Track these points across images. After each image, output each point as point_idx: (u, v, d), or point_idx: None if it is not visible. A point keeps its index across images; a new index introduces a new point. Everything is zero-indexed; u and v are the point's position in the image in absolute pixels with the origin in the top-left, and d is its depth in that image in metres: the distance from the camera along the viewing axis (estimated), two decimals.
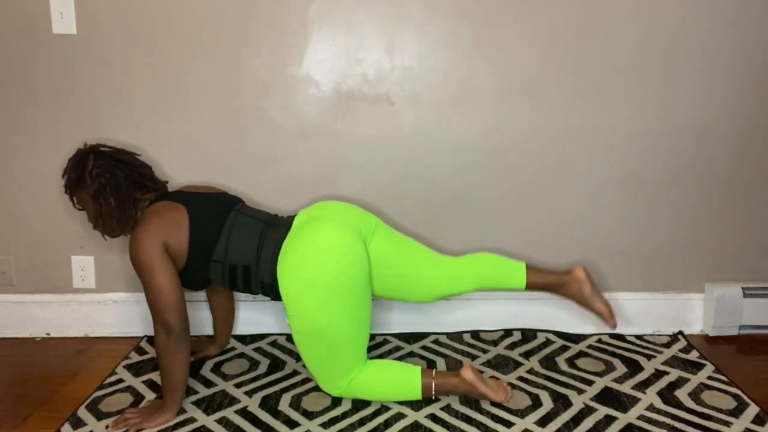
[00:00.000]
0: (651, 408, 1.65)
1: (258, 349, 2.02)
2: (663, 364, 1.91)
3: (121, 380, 1.81)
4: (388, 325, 2.13)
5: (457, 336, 2.11)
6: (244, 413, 1.63)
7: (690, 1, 1.97)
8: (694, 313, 2.17)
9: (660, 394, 1.72)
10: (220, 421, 1.59)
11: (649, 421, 1.59)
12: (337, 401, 1.68)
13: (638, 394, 1.72)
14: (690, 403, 1.67)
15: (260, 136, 2.03)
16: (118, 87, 1.99)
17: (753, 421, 1.59)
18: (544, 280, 1.78)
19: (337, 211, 1.68)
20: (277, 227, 1.67)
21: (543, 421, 1.58)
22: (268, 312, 2.12)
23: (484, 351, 2.00)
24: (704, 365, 1.90)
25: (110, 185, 1.63)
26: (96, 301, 2.12)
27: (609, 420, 1.59)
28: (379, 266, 1.71)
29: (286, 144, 2.04)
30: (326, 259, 1.54)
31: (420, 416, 1.60)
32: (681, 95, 2.04)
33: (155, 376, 1.82)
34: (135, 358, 1.95)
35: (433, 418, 1.60)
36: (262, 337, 2.11)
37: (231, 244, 1.63)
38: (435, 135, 2.04)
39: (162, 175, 1.96)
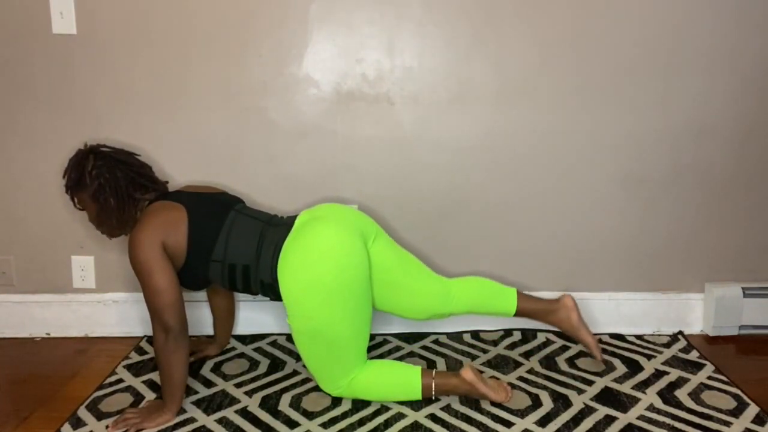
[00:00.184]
0: (651, 408, 1.65)
1: (258, 349, 2.02)
2: (663, 364, 1.91)
3: (121, 380, 1.81)
4: (388, 325, 2.13)
5: (457, 336, 2.11)
6: (244, 413, 1.63)
7: (690, 2, 1.97)
8: (694, 313, 2.17)
9: (660, 394, 1.72)
10: (220, 421, 1.59)
11: (649, 421, 1.59)
12: (337, 401, 1.68)
13: (638, 394, 1.72)
14: (690, 403, 1.67)
15: (260, 136, 2.03)
16: (118, 87, 1.99)
17: (753, 421, 1.59)
18: (533, 307, 1.81)
19: (339, 213, 1.68)
20: (277, 227, 1.67)
21: (543, 421, 1.58)
22: (268, 312, 2.12)
23: (484, 351, 2.00)
24: (704, 365, 1.90)
25: (110, 185, 1.63)
26: (96, 301, 2.12)
27: (609, 420, 1.59)
28: (378, 270, 1.71)
29: (286, 144, 2.04)
30: (327, 259, 1.54)
31: (420, 416, 1.60)
32: (681, 95, 2.04)
33: (155, 376, 1.82)
34: (135, 358, 1.95)
35: (433, 418, 1.60)
36: (262, 337, 2.11)
37: (230, 243, 1.63)
38: (435, 135, 2.05)
39: (162, 175, 1.96)
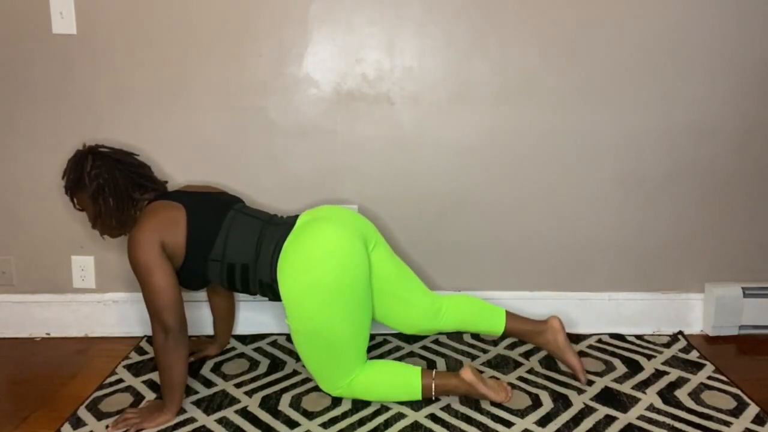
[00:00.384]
0: (651, 408, 1.65)
1: (258, 349, 2.02)
2: (663, 364, 1.91)
3: (121, 380, 1.81)
4: (387, 326, 2.13)
5: (457, 336, 2.11)
6: (244, 413, 1.63)
7: (690, 2, 1.97)
8: (694, 313, 2.17)
9: (660, 394, 1.72)
10: (220, 421, 1.59)
11: (649, 421, 1.59)
12: (337, 401, 1.68)
13: (638, 394, 1.72)
14: (690, 403, 1.67)
15: (260, 136, 2.03)
16: (118, 87, 1.99)
17: (753, 421, 1.59)
18: (521, 328, 1.82)
19: (341, 215, 1.68)
20: (277, 226, 1.66)
21: (543, 421, 1.58)
22: (268, 312, 2.12)
23: (484, 351, 2.00)
24: (704, 365, 1.90)
25: (109, 186, 1.64)
26: (96, 301, 2.12)
27: (609, 420, 1.59)
28: (378, 278, 1.71)
29: (286, 144, 2.04)
30: (328, 259, 1.54)
31: (420, 416, 1.60)
32: (681, 95, 2.04)
33: (155, 376, 1.82)
34: (135, 358, 1.95)
35: (433, 418, 1.60)
36: (262, 337, 2.11)
37: (229, 242, 1.63)
38: (435, 135, 2.04)
39: (161, 175, 1.96)
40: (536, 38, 1.99)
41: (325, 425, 1.57)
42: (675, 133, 2.06)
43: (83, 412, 1.63)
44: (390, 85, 2.01)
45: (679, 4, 1.97)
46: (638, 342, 2.08)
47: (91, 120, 2.01)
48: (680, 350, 2.01)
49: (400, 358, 1.95)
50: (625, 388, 1.76)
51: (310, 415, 1.62)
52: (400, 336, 2.10)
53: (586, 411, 1.63)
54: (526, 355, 1.97)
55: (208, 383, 1.79)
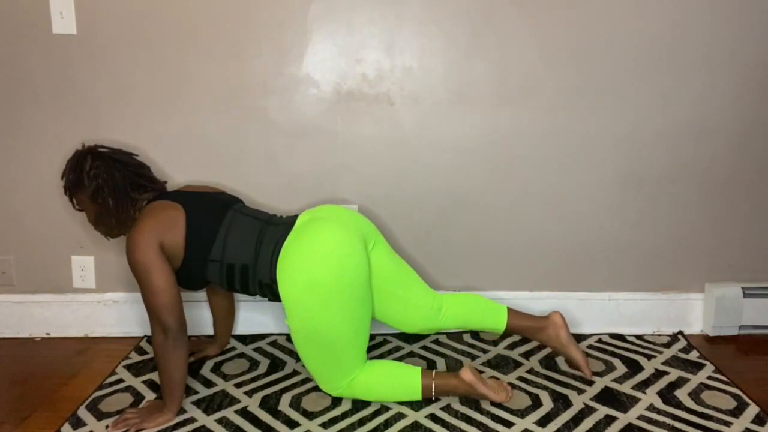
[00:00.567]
0: (651, 408, 1.65)
1: (258, 349, 2.02)
2: (663, 364, 1.91)
3: (121, 380, 1.81)
4: (388, 325, 2.12)
5: (457, 336, 2.11)
6: (244, 413, 1.63)
7: (690, 2, 1.97)
8: (694, 313, 2.17)
9: (660, 394, 1.72)
10: (220, 421, 1.59)
11: (649, 421, 1.59)
12: (337, 401, 1.68)
13: (638, 394, 1.72)
14: (690, 403, 1.67)
15: (260, 136, 2.03)
16: (118, 87, 1.99)
17: (753, 421, 1.59)
18: (523, 324, 1.82)
19: (340, 215, 1.68)
20: (276, 226, 1.66)
21: (543, 421, 1.58)
22: (267, 312, 2.12)
23: (484, 351, 2.00)
24: (704, 365, 1.90)
25: (108, 186, 1.64)
26: (96, 301, 2.12)
27: (609, 420, 1.59)
28: (377, 278, 1.71)
29: (286, 144, 2.04)
30: (328, 259, 1.54)
31: (420, 416, 1.60)
32: (681, 95, 2.04)
33: (155, 376, 1.82)
34: (135, 358, 1.95)
35: (433, 418, 1.60)
36: (262, 337, 2.11)
37: (229, 243, 1.63)
38: (435, 135, 2.04)
39: (161, 175, 1.97)
40: (536, 38, 1.99)
41: (325, 425, 1.57)
42: (675, 133, 2.06)
43: (83, 412, 1.63)
44: (390, 85, 2.01)
45: (679, 4, 1.97)
46: (638, 342, 2.08)
47: (91, 120, 2.01)
48: (680, 350, 2.01)
49: (400, 358, 1.95)
50: (625, 388, 1.76)
51: (310, 415, 1.62)
52: (400, 336, 2.10)
53: (586, 411, 1.63)
54: (526, 355, 1.97)
55: (208, 383, 1.79)
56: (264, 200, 2.05)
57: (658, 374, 1.84)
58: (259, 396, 1.72)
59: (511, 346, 2.03)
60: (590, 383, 1.78)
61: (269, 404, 1.68)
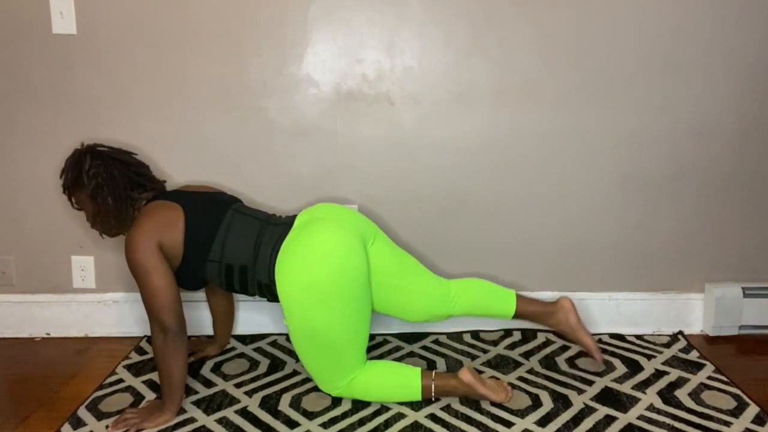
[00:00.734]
0: (651, 408, 1.65)
1: (258, 349, 2.02)
2: (663, 364, 1.91)
3: (121, 380, 1.81)
4: (388, 325, 2.13)
5: (457, 336, 2.11)
6: (244, 413, 1.63)
7: (690, 2, 1.97)
8: (694, 313, 2.17)
9: (660, 394, 1.72)
10: (220, 421, 1.59)
11: (649, 421, 1.58)
12: (337, 401, 1.68)
13: (638, 394, 1.72)
14: (690, 403, 1.67)
15: (260, 136, 2.03)
16: (118, 87, 1.99)
17: (753, 421, 1.59)
18: (531, 310, 1.82)
19: (338, 214, 1.68)
20: (275, 226, 1.66)
21: (543, 421, 1.58)
22: (267, 312, 2.12)
23: (484, 351, 2.00)
24: (704, 365, 1.90)
25: (107, 185, 1.63)
26: (96, 301, 2.12)
27: (609, 420, 1.59)
28: (376, 273, 1.71)
29: (286, 144, 2.04)
30: (327, 260, 1.54)
31: (420, 416, 1.60)
32: (681, 95, 2.04)
33: (155, 376, 1.82)
34: (135, 358, 1.95)
35: (433, 418, 1.60)
36: (262, 337, 2.11)
37: (228, 243, 1.63)
38: (435, 135, 2.04)
39: (161, 175, 1.97)
40: (536, 38, 1.99)
41: (325, 425, 1.57)
42: (675, 133, 2.06)
43: (83, 412, 1.63)
44: (390, 85, 2.01)
45: (679, 5, 1.97)
46: (638, 342, 2.07)
47: (90, 120, 2.01)
48: (680, 350, 2.01)
49: (399, 358, 1.95)
50: (625, 388, 1.76)
51: (310, 415, 1.62)
52: (400, 336, 2.10)
53: (586, 411, 1.63)
54: (526, 355, 1.97)
55: (208, 383, 1.79)
56: (264, 200, 2.05)
57: (658, 374, 1.84)
58: (259, 396, 1.72)
59: (511, 347, 2.03)
60: (590, 383, 1.78)
61: (269, 404, 1.68)
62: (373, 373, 1.63)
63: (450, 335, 2.12)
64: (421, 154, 2.06)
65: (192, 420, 1.59)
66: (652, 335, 2.14)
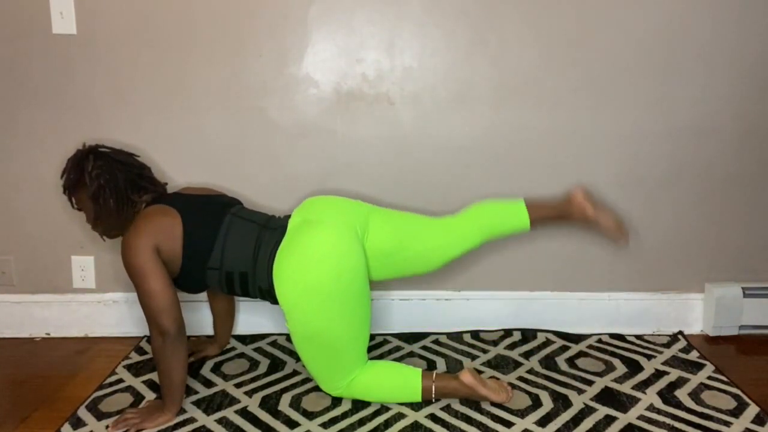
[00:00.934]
0: (651, 408, 1.65)
1: (258, 349, 2.02)
2: (663, 364, 1.91)
3: (121, 380, 1.81)
4: (388, 325, 2.13)
5: (457, 336, 2.11)
6: (244, 413, 1.63)
7: (690, 1, 1.97)
8: (694, 313, 2.17)
9: (660, 394, 1.72)
10: (220, 421, 1.59)
11: (649, 421, 1.59)
12: (337, 401, 1.68)
13: (638, 394, 1.72)
14: (690, 403, 1.67)
15: (260, 136, 2.03)
16: (118, 87, 1.99)
17: (753, 421, 1.59)
18: (546, 214, 1.79)
19: (329, 211, 1.65)
20: (273, 230, 1.64)
21: (543, 421, 1.58)
22: (267, 312, 2.12)
23: (484, 351, 2.00)
24: (704, 365, 1.90)
25: (110, 186, 1.63)
26: (96, 301, 2.12)
27: (609, 420, 1.59)
28: (380, 257, 1.68)
29: (286, 144, 2.04)
30: (324, 263, 1.53)
31: (420, 416, 1.60)
32: (681, 95, 2.04)
33: (155, 376, 1.82)
34: (135, 358, 1.95)
35: (433, 418, 1.60)
36: (262, 337, 2.11)
37: (227, 250, 1.61)
38: (435, 135, 2.04)
39: (161, 176, 1.96)
40: (536, 38, 1.99)
41: (325, 425, 1.57)
42: (675, 133, 2.06)
43: (83, 412, 1.63)
44: (390, 85, 2.01)
45: (679, 4, 1.97)
46: (638, 342, 2.07)
47: (90, 120, 2.01)
48: (680, 350, 2.01)
49: (399, 358, 1.95)
50: (625, 388, 1.76)
51: (310, 415, 1.62)
52: (400, 336, 2.10)
53: (586, 411, 1.63)
54: (526, 355, 1.97)
55: (208, 383, 1.79)
56: (264, 200, 2.05)
57: (658, 374, 1.84)
58: (259, 396, 1.72)
59: (511, 347, 2.03)
60: (590, 383, 1.78)
61: (269, 404, 1.68)
62: (373, 373, 1.63)
63: (450, 335, 2.12)
64: (421, 153, 2.06)
65: (192, 420, 1.59)
66: (652, 335, 2.14)
